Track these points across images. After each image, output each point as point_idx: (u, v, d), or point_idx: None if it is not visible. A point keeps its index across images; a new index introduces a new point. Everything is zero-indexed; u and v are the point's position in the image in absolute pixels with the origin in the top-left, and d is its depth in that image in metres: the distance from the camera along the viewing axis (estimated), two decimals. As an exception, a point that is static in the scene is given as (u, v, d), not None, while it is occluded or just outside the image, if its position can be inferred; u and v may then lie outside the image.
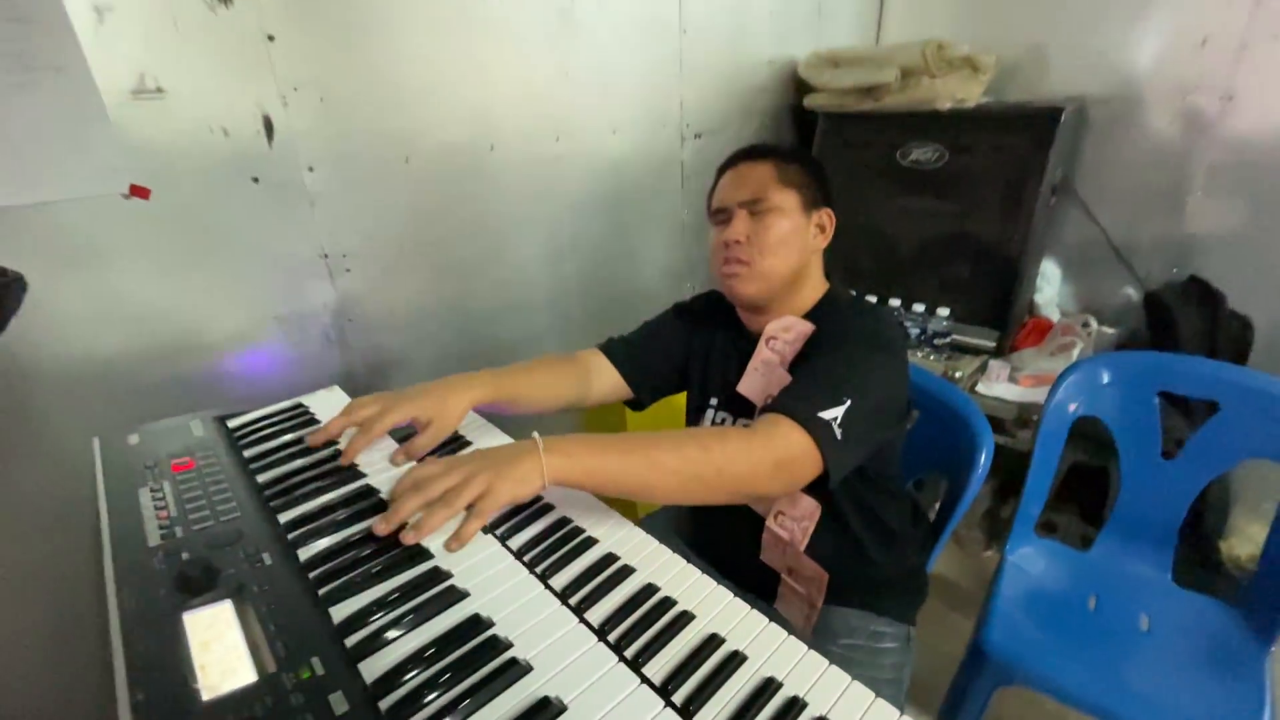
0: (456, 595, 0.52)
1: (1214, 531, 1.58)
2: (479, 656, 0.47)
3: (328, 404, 0.88)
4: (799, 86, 1.83)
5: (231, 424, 0.82)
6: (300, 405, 0.87)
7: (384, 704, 0.43)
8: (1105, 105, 1.70)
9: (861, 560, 0.96)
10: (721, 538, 1.02)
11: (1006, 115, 1.60)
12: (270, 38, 0.95)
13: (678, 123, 1.59)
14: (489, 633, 0.49)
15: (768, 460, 0.70)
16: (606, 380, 1.01)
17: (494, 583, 0.55)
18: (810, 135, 1.83)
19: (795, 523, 0.93)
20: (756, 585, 0.98)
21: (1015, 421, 1.62)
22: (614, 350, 1.03)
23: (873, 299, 1.76)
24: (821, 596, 0.90)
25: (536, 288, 1.45)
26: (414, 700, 0.43)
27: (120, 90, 0.85)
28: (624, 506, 0.73)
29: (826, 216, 0.93)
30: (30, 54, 0.78)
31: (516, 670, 0.45)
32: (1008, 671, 1.09)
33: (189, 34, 0.88)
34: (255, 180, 0.99)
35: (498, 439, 0.90)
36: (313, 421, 0.83)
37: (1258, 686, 1.00)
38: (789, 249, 0.88)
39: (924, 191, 1.66)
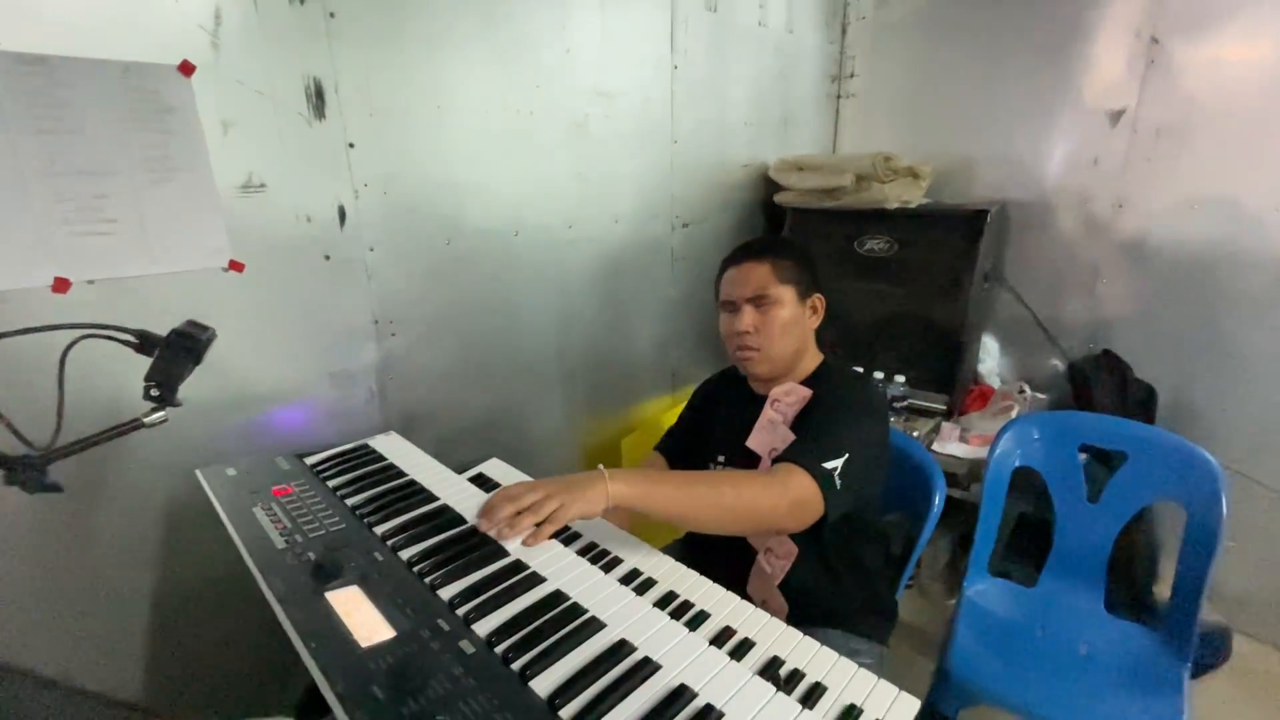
0: (537, 578, 0.68)
1: (1146, 575, 1.79)
2: (567, 618, 0.62)
3: (388, 446, 1.03)
4: (769, 186, 2.13)
5: (309, 460, 0.96)
6: (365, 445, 1.02)
7: (499, 649, 0.58)
8: (1024, 208, 2.03)
9: (838, 589, 1.11)
10: (711, 568, 1.18)
11: (943, 214, 1.90)
12: (351, 145, 1.16)
13: (668, 214, 1.85)
14: (569, 602, 0.64)
15: (786, 500, 0.87)
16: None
17: (565, 571, 0.70)
18: (780, 226, 2.11)
19: (778, 560, 1.10)
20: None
21: (967, 476, 1.82)
22: (666, 450, 1.30)
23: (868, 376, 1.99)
24: None
25: (546, 352, 1.63)
26: (520, 646, 0.58)
27: (232, 186, 1.04)
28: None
29: (818, 300, 1.13)
30: (170, 158, 0.97)
31: (594, 624, 0.61)
32: (969, 692, 1.24)
33: (289, 142, 1.09)
34: (327, 258, 1.17)
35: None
36: (379, 459, 0.98)
37: (1177, 697, 1.17)
38: (790, 334, 1.08)
39: (878, 276, 1.94)
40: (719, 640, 0.70)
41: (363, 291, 1.24)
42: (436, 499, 0.85)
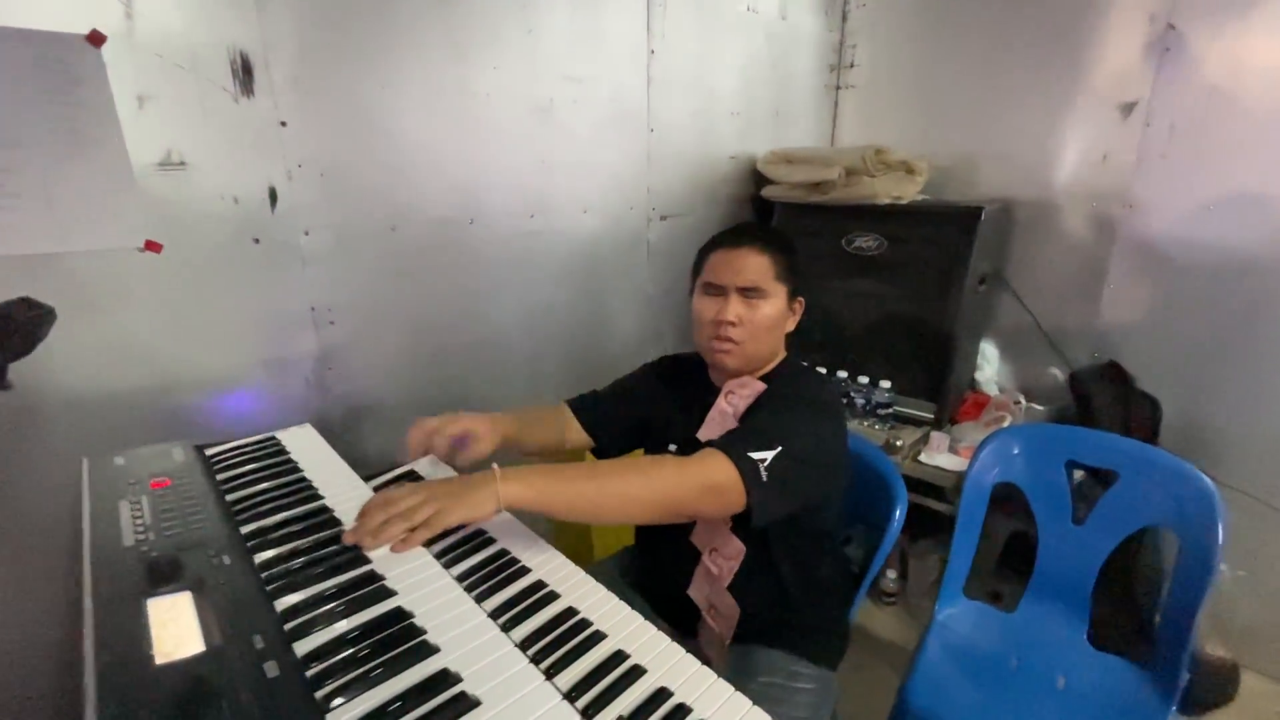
0: (385, 592, 0.61)
1: (1146, 603, 1.66)
2: (398, 640, 0.55)
3: (298, 439, 0.98)
4: (758, 179, 2.04)
5: (209, 452, 0.92)
6: (273, 438, 0.97)
7: (310, 673, 0.51)
8: (1029, 206, 1.91)
9: (785, 604, 1.04)
10: (661, 574, 1.11)
11: (935, 212, 1.79)
12: (283, 124, 1.11)
13: (645, 206, 1.77)
14: (407, 622, 0.58)
15: (696, 483, 0.81)
16: (574, 429, 1.15)
17: (420, 585, 0.64)
18: (768, 221, 2.02)
19: (725, 560, 1.02)
20: (681, 620, 1.06)
21: (954, 490, 1.72)
22: (578, 404, 1.17)
23: (822, 370, 1.89)
24: (731, 633, 0.98)
25: (511, 347, 1.57)
26: (336, 671, 0.52)
27: (149, 163, 1.00)
28: (579, 548, 0.83)
29: (799, 304, 1.06)
30: (79, 132, 0.93)
31: (425, 649, 0.54)
32: (929, 724, 1.14)
33: (213, 119, 1.04)
34: (256, 241, 1.13)
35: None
36: (283, 453, 0.93)
37: (1158, 744, 1.06)
38: (772, 334, 1.02)
39: (867, 275, 1.84)
40: (605, 668, 0.64)
41: (297, 277, 1.19)
42: (320, 499, 0.79)
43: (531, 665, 0.54)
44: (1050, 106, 1.82)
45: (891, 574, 1.98)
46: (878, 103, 2.22)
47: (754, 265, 0.99)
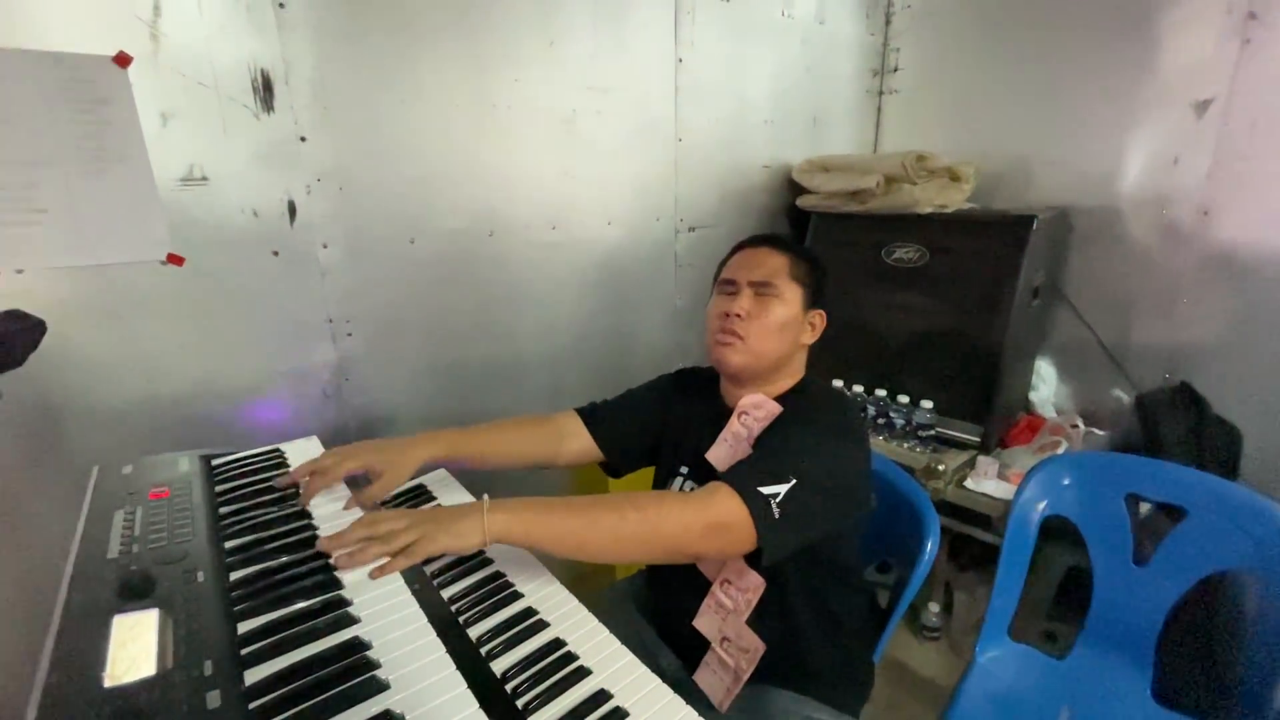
0: (348, 620, 0.59)
1: (1226, 658, 1.48)
2: (351, 673, 0.52)
3: (304, 451, 0.98)
4: (794, 188, 1.97)
5: (215, 462, 0.92)
6: (276, 450, 0.97)
7: (253, 705, 0.49)
8: (1089, 215, 1.77)
9: (800, 644, 0.96)
10: (668, 602, 1.05)
11: (982, 221, 1.68)
12: (303, 139, 1.13)
13: (672, 217, 1.73)
14: (363, 654, 0.55)
15: (699, 523, 0.75)
16: (578, 442, 1.08)
17: (385, 614, 0.61)
18: (803, 232, 1.94)
19: (740, 593, 0.96)
20: (685, 651, 0.99)
21: (1002, 519, 1.59)
22: (589, 413, 1.10)
23: (859, 389, 1.80)
24: (750, 670, 0.91)
25: (530, 360, 1.55)
26: (280, 706, 0.49)
27: (172, 178, 1.03)
28: (600, 567, 0.79)
29: (819, 317, 1.00)
30: (104, 149, 0.96)
31: (374, 686, 0.51)
32: (962, 781, 1.04)
33: (235, 135, 1.07)
34: (275, 253, 1.15)
35: (463, 497, 0.98)
36: (284, 465, 0.92)
37: (1233, 823, 0.93)
38: (781, 336, 0.96)
39: (908, 288, 1.73)
40: (585, 709, 0.60)
41: (316, 289, 1.20)
42: (307, 517, 0.78)
43: (482, 714, 0.49)
44: (1114, 106, 1.68)
45: (934, 607, 1.85)
46: (924, 107, 2.12)
47: (769, 261, 0.96)
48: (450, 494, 1.00)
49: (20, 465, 0.97)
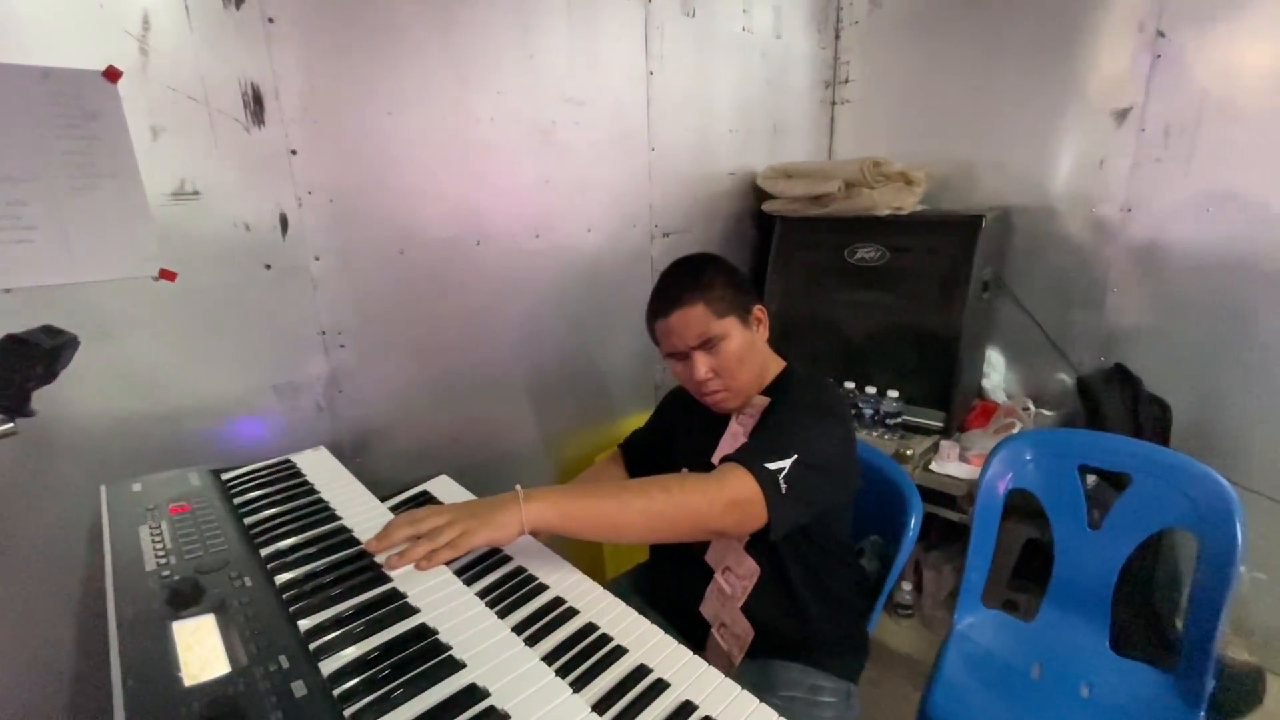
0: (409, 610, 0.61)
1: (1167, 609, 1.64)
2: (424, 656, 0.55)
3: (313, 462, 0.98)
4: (758, 194, 2.06)
5: (224, 476, 0.92)
6: (288, 461, 0.97)
7: (338, 691, 0.51)
8: (1028, 213, 1.93)
9: (802, 618, 1.03)
10: (673, 590, 1.10)
11: (936, 221, 1.81)
12: (293, 152, 1.13)
13: (647, 224, 1.79)
14: (432, 638, 0.57)
15: (720, 500, 0.81)
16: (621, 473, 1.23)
17: (442, 602, 0.63)
18: (769, 235, 2.04)
19: (738, 580, 1.02)
20: (689, 635, 1.05)
21: (966, 498, 1.71)
22: (628, 447, 1.29)
23: (829, 380, 1.90)
24: (741, 655, 0.98)
25: (515, 367, 1.58)
26: (364, 689, 0.51)
27: (163, 193, 1.01)
28: (592, 569, 0.83)
29: (760, 312, 1.06)
30: (94, 165, 0.94)
31: (452, 664, 0.54)
32: (952, 737, 1.13)
33: (226, 149, 1.06)
34: (268, 267, 1.14)
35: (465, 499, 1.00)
36: (298, 476, 0.93)
37: (1188, 751, 1.05)
38: (747, 361, 1.02)
39: (870, 285, 1.85)
40: (629, 682, 0.63)
41: (308, 302, 1.20)
42: (338, 519, 0.79)
43: (558, 678, 0.53)
44: (1045, 114, 1.85)
45: (906, 586, 1.97)
46: (873, 116, 2.26)
47: (692, 322, 0.98)
48: (454, 499, 1.02)
49: (14, 481, 0.94)
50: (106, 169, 0.96)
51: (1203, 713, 1.10)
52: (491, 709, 0.49)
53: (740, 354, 1.00)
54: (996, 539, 1.38)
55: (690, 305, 0.98)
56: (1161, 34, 1.62)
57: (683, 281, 1.01)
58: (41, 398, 0.90)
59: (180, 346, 1.07)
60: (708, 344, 0.98)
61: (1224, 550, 1.12)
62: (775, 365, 1.09)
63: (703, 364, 0.99)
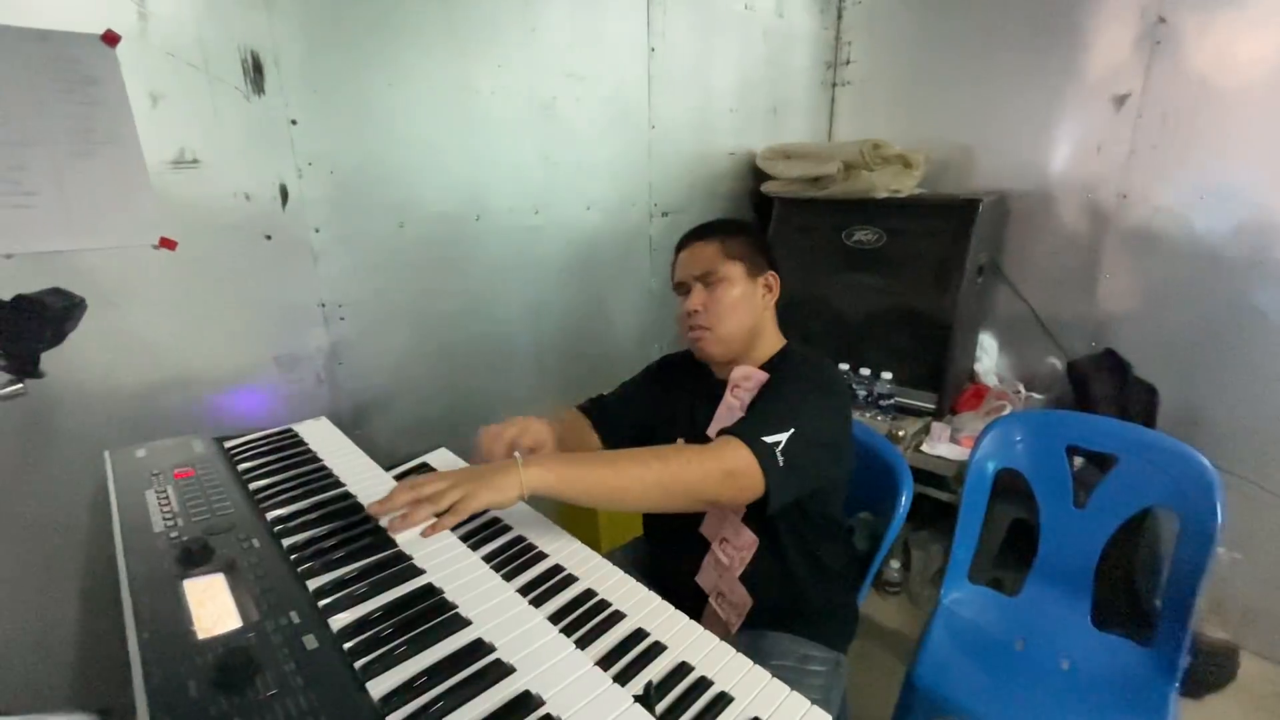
0: (414, 571, 0.63)
1: (1146, 586, 1.68)
2: (430, 614, 0.57)
3: (315, 432, 0.99)
4: (757, 175, 2.06)
5: (228, 444, 0.93)
6: (289, 430, 0.98)
7: (348, 645, 0.53)
8: (1024, 198, 1.94)
9: (795, 590, 1.05)
10: (668, 561, 1.12)
11: (932, 204, 1.82)
12: (293, 122, 1.13)
13: (646, 202, 1.79)
14: (437, 597, 0.59)
15: (717, 470, 0.82)
16: (591, 435, 1.17)
17: (447, 564, 0.65)
18: (768, 217, 2.04)
19: (736, 551, 1.04)
20: (687, 606, 1.07)
21: (956, 478, 1.74)
22: (588, 409, 1.20)
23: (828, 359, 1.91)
24: (740, 622, 1.00)
25: (515, 341, 1.59)
26: (373, 644, 0.53)
27: (163, 161, 1.01)
28: (587, 541, 0.84)
29: (772, 278, 1.08)
30: (94, 130, 0.94)
31: (457, 621, 0.56)
32: (937, 705, 1.16)
33: (226, 118, 1.06)
34: (268, 238, 1.14)
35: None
36: (300, 445, 0.94)
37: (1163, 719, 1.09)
38: (741, 311, 1.03)
39: (867, 268, 1.86)
40: (628, 644, 0.65)
41: (308, 273, 1.20)
42: (341, 486, 0.80)
43: (562, 635, 0.55)
44: (1044, 99, 1.85)
45: (895, 564, 2.01)
46: (873, 98, 2.25)
47: (703, 253, 1.04)
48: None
49: (17, 448, 0.95)
50: (106, 135, 0.95)
51: (1177, 685, 1.14)
52: (498, 662, 0.51)
53: (735, 303, 1.02)
54: (984, 518, 1.41)
55: (707, 241, 1.04)
56: (1162, 20, 1.62)
57: (711, 224, 1.08)
58: (47, 361, 0.91)
59: (180, 316, 1.08)
60: (708, 278, 1.02)
61: (1204, 527, 1.15)
62: (776, 340, 1.10)
63: (698, 296, 1.02)
